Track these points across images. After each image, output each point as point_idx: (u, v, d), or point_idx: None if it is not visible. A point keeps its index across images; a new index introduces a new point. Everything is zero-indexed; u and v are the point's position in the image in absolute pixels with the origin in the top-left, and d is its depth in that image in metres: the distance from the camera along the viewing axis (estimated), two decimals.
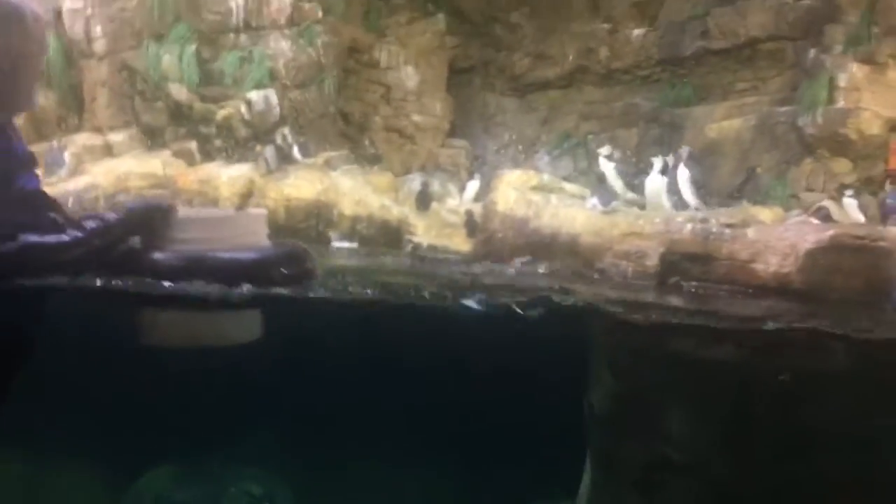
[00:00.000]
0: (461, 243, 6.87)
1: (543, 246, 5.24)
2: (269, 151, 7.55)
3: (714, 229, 4.40)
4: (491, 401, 4.75)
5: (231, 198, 7.10)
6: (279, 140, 7.69)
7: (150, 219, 2.43)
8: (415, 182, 8.05)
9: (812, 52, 7.24)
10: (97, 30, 7.51)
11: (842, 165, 6.91)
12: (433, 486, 5.23)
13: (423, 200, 7.61)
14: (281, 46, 8.06)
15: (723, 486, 3.78)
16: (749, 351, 3.53)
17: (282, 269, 2.50)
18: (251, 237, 2.54)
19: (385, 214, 7.31)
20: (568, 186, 6.03)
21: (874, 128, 6.67)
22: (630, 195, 6.34)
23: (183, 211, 2.58)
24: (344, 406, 4.71)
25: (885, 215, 6.28)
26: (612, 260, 4.64)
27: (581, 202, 5.58)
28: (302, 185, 7.28)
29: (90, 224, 2.35)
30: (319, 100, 8.30)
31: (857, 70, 6.80)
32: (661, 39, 8.45)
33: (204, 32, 7.77)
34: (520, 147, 9.05)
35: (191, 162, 7.39)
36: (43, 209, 2.36)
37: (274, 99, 7.74)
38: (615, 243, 4.75)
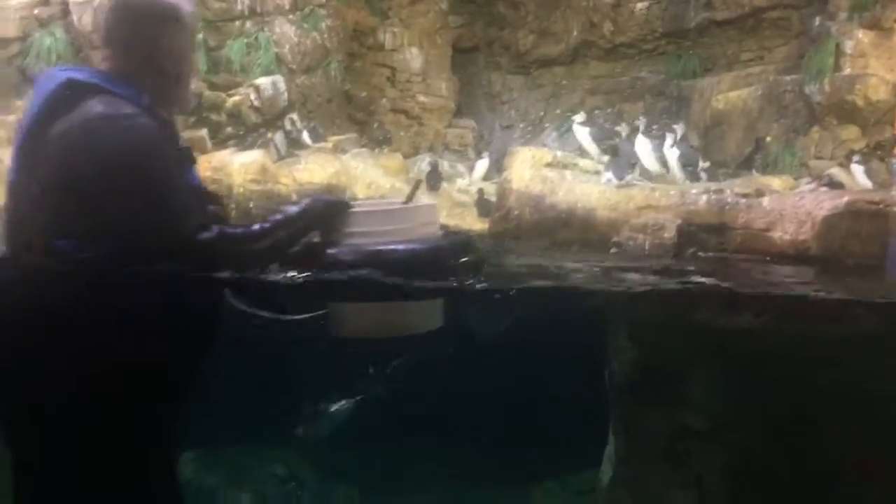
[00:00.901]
0: (473, 222, 6.92)
1: (560, 222, 5.30)
2: (279, 137, 7.59)
3: (729, 199, 4.45)
4: (516, 375, 4.83)
5: (244, 184, 7.15)
6: (288, 125, 7.72)
7: (329, 213, 2.45)
8: (424, 163, 8.09)
9: (817, 20, 7.27)
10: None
11: (850, 132, 6.95)
12: (457, 460, 5.32)
13: (433, 180, 7.66)
14: (286, 31, 8.09)
15: (747, 453, 3.85)
16: (769, 318, 3.59)
17: (454, 260, 2.52)
18: (424, 229, 2.54)
19: (397, 196, 7.35)
20: (582, 162, 6.07)
21: (881, 93, 6.70)
22: (605, 158, 6.44)
23: (356, 204, 2.63)
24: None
25: (894, 180, 6.33)
26: (629, 233, 4.69)
27: (596, 177, 5.62)
28: (314, 169, 7.32)
29: (274, 217, 2.37)
30: (326, 84, 8.34)
31: (862, 36, 6.82)
32: (664, 12, 8.47)
33: (209, 20, 7.78)
34: (526, 125, 9.08)
35: (203, 150, 7.42)
36: (206, 203, 2.40)
37: (282, 84, 7.77)
38: (632, 216, 4.81)
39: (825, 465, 3.68)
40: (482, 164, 8.03)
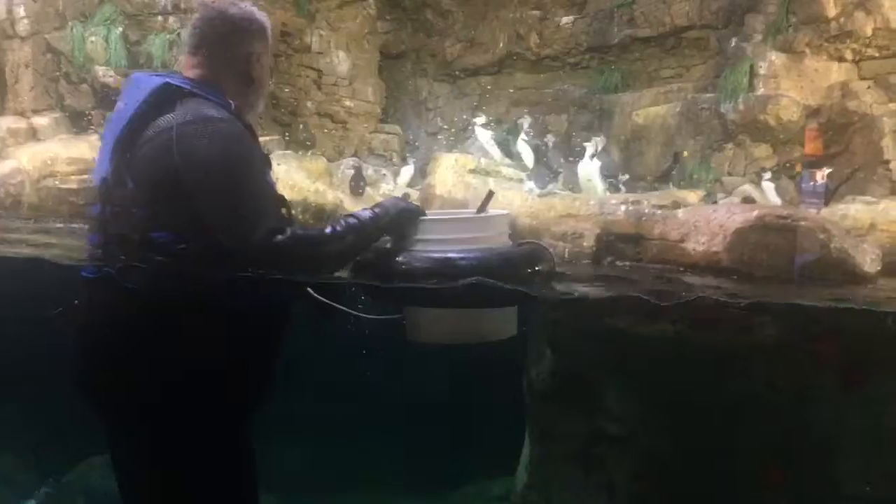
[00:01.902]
0: None
1: None
2: None
3: (646, 211, 4.56)
4: (431, 380, 4.83)
5: None
6: None
7: (402, 219, 2.50)
8: (348, 167, 8.05)
9: (733, 41, 7.50)
10: (20, 10, 7.26)
11: (762, 150, 7.19)
12: (375, 468, 5.29)
13: (358, 185, 7.63)
14: None
15: (659, 457, 3.94)
16: (683, 326, 3.69)
17: (528, 269, 2.57)
18: (495, 238, 2.57)
19: (320, 199, 7.29)
20: (505, 170, 6.13)
21: (792, 114, 6.95)
22: (507, 160, 6.57)
23: (429, 212, 2.65)
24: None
25: (802, 198, 6.57)
26: (549, 241, 4.76)
27: (518, 185, 5.68)
28: None
29: (347, 220, 2.42)
30: None
31: (775, 58, 7.07)
32: (589, 27, 8.63)
33: (131, 14, 7.59)
34: (452, 132, 9.14)
35: None
36: (280, 205, 2.47)
37: None
38: (552, 225, 4.87)
39: (735, 468, 3.79)
40: (407, 170, 8.04)
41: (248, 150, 2.34)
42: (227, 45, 2.41)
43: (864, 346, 3.78)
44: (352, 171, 7.82)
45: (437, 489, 5.44)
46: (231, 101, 2.38)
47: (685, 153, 7.43)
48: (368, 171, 8.08)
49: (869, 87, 6.81)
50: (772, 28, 7.15)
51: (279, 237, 2.23)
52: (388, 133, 9.21)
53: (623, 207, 4.75)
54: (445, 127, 9.27)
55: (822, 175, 6.54)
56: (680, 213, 4.55)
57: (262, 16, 2.49)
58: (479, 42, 9.22)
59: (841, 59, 6.97)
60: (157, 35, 7.64)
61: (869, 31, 6.69)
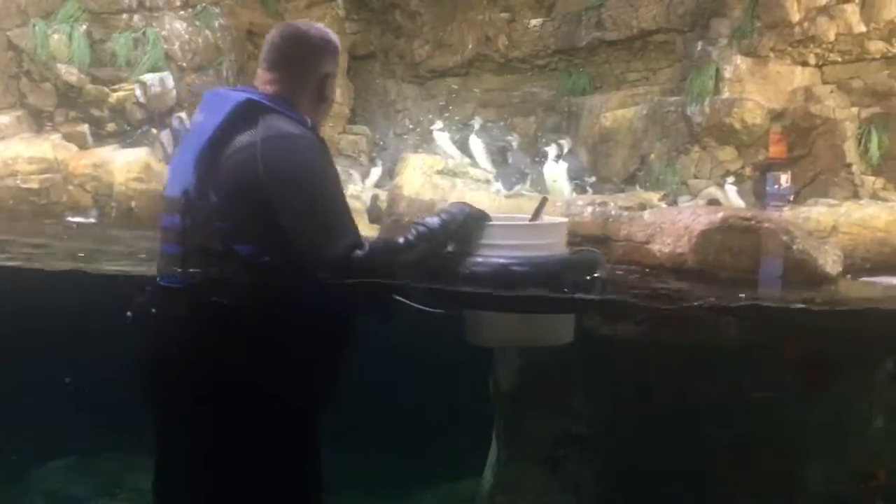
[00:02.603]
0: (365, 228, 6.89)
1: None
2: (166, 136, 7.36)
3: (613, 212, 4.57)
4: (396, 380, 4.81)
5: (126, 183, 6.91)
6: (176, 124, 7.49)
7: (469, 225, 2.58)
8: None
9: (699, 45, 7.58)
10: None
11: (727, 153, 7.28)
12: (339, 469, 5.25)
13: None
14: (176, 28, 7.86)
15: (624, 458, 3.95)
16: (648, 327, 3.70)
17: (587, 275, 2.67)
18: (555, 245, 2.65)
19: None
20: (473, 170, 6.14)
21: (756, 117, 7.04)
22: (466, 160, 6.63)
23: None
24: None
25: (767, 200, 6.66)
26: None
27: (486, 186, 5.69)
28: None
29: (418, 228, 2.51)
30: (218, 83, 8.11)
31: (741, 62, 7.16)
32: (557, 30, 8.68)
33: (95, 12, 7.49)
34: (420, 133, 9.13)
35: (83, 145, 7.13)
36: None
37: (170, 82, 7.53)
38: None
39: (701, 468, 3.81)
40: (376, 172, 8.03)
41: (329, 167, 2.43)
42: (304, 64, 2.49)
43: (827, 346, 3.82)
44: None
45: (403, 491, 5.41)
46: (306, 117, 2.46)
47: (651, 155, 7.49)
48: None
49: (832, 92, 6.92)
50: (737, 32, 7.24)
51: (359, 252, 2.33)
52: (356, 134, 9.19)
53: (589, 209, 4.75)
54: (412, 128, 9.26)
55: (786, 178, 6.63)
56: (646, 214, 4.57)
57: (335, 36, 2.60)
58: (448, 44, 9.22)
59: (804, 64, 7.08)
60: (121, 33, 7.56)
61: (832, 36, 6.79)
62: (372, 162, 8.61)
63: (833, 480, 3.73)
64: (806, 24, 6.86)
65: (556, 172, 6.34)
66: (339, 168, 7.86)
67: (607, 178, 7.71)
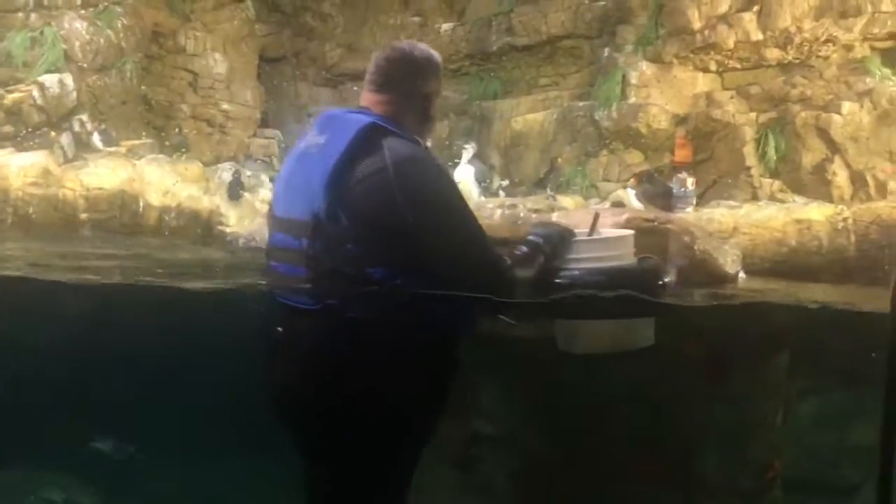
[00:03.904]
0: None
1: None
2: (66, 138, 7.12)
3: (522, 214, 4.64)
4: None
5: (23, 188, 6.64)
6: (76, 127, 7.25)
7: (562, 240, 2.68)
8: (226, 172, 7.85)
9: (606, 51, 7.73)
10: None
11: (634, 157, 7.44)
12: (254, 479, 5.15)
13: (235, 190, 7.45)
14: (76, 28, 7.60)
15: (534, 456, 3.99)
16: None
17: (659, 282, 2.83)
18: (629, 255, 2.83)
19: (194, 205, 7.09)
20: None
21: (661, 122, 7.22)
22: None
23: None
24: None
25: (673, 202, 6.83)
26: None
27: None
28: (104, 173, 6.91)
29: (528, 244, 2.59)
30: (121, 85, 7.90)
31: (646, 68, 7.33)
32: (468, 34, 8.74)
33: None
34: None
35: None
36: None
37: (70, 83, 7.28)
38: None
39: (609, 465, 3.87)
40: None
41: (455, 185, 2.53)
42: (410, 85, 2.52)
43: (726, 343, 3.94)
44: (229, 176, 7.63)
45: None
46: (417, 137, 2.51)
47: (559, 160, 7.60)
48: (246, 176, 7.91)
49: (731, 97, 7.15)
50: (642, 39, 7.42)
51: (503, 265, 2.45)
52: (267, 137, 9.05)
53: (499, 211, 4.81)
54: None
55: (691, 181, 6.82)
56: (554, 216, 4.65)
57: (437, 55, 2.64)
58: (360, 47, 9.18)
59: (706, 70, 7.29)
60: (17, 32, 7.28)
61: (731, 44, 7.02)
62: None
63: (733, 471, 3.84)
64: (707, 32, 7.07)
65: (464, 176, 6.37)
66: (248, 173, 7.67)
67: (519, 182, 7.80)
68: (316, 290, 2.40)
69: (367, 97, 2.53)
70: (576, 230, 2.84)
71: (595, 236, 2.87)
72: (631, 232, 3.06)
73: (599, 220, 4.13)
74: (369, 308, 2.34)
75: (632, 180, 6.89)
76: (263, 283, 2.74)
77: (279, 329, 2.51)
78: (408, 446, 2.51)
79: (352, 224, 2.32)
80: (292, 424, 2.55)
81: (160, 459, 4.88)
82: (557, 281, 2.66)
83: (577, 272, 2.69)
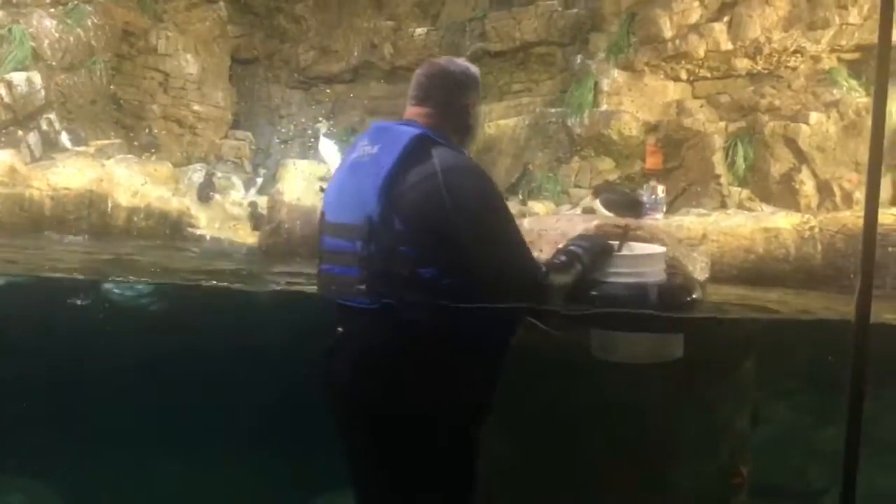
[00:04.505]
0: (246, 236, 6.76)
1: None
2: (33, 137, 7.03)
3: None
4: (268, 392, 4.71)
5: None
6: (44, 126, 7.17)
7: (602, 253, 2.80)
8: (196, 173, 7.80)
9: (579, 58, 7.78)
10: None
11: (606, 164, 7.49)
12: (216, 481, 5.10)
13: (205, 192, 7.40)
14: (45, 26, 7.51)
15: (498, 461, 3.98)
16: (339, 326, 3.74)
17: (689, 297, 2.96)
18: (660, 271, 2.94)
19: (164, 206, 7.03)
20: None
21: (633, 129, 7.27)
22: None
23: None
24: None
25: (644, 209, 6.87)
26: None
27: None
28: (71, 173, 6.84)
29: (567, 254, 2.71)
30: (90, 84, 7.82)
31: (618, 76, 7.39)
32: (442, 39, 8.75)
33: None
34: (305, 140, 9.02)
35: None
36: None
37: (38, 81, 7.19)
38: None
39: (574, 471, 3.87)
40: (260, 180, 7.91)
41: (499, 193, 2.65)
42: (450, 98, 2.66)
43: (694, 351, 3.96)
44: (199, 178, 7.58)
45: (301, 493, 5.30)
46: (461, 147, 2.64)
47: (531, 165, 7.63)
48: (217, 178, 7.86)
49: (702, 106, 7.22)
50: (614, 47, 7.47)
51: (541, 272, 2.55)
52: (239, 139, 9.00)
53: None
54: (296, 134, 9.13)
55: (661, 189, 6.87)
56: (525, 222, 4.65)
57: (474, 68, 2.78)
58: (333, 50, 9.17)
59: (677, 79, 7.36)
60: None
61: (701, 53, 7.10)
62: (255, 170, 8.46)
63: (702, 478, 3.85)
64: (678, 41, 7.14)
65: None
66: (219, 175, 7.65)
67: None
68: (371, 290, 2.51)
69: (410, 111, 2.68)
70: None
71: (626, 251, 2.95)
72: (663, 249, 3.15)
73: (571, 227, 4.15)
74: (419, 307, 2.46)
75: (589, 196, 6.93)
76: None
77: (339, 329, 2.62)
78: (464, 442, 2.62)
79: (404, 227, 2.45)
80: (352, 422, 2.63)
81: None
82: (593, 292, 2.75)
83: (613, 285, 2.79)
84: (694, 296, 3.00)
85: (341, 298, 2.62)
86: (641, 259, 2.99)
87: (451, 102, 2.66)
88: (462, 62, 2.79)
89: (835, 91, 6.75)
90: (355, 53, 9.10)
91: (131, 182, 7.03)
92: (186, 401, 4.57)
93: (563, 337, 3.07)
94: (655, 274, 2.93)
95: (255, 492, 5.04)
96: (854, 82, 6.81)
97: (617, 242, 2.95)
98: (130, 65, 8.50)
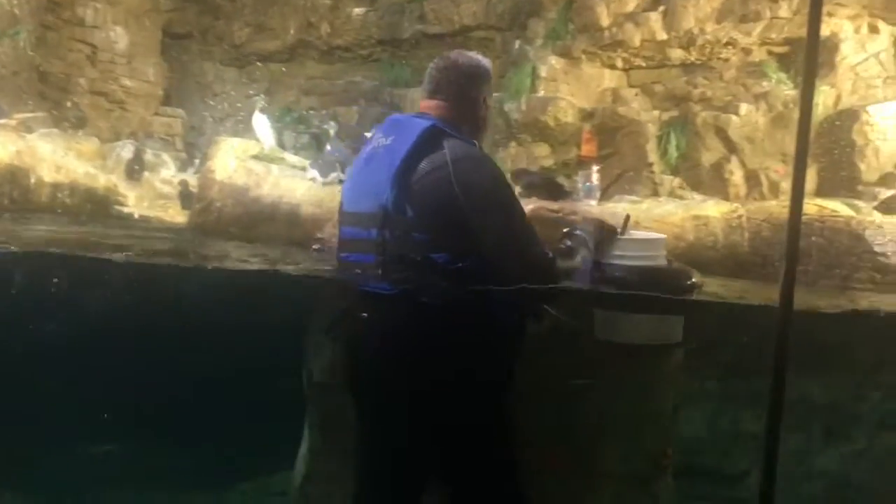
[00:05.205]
0: (176, 214, 6.62)
1: (264, 216, 5.18)
2: None
3: None
4: (207, 372, 4.64)
5: None
6: None
7: (603, 238, 2.94)
8: (125, 149, 7.58)
9: (517, 43, 7.79)
10: None
11: (542, 149, 7.53)
12: (140, 465, 5.01)
13: (135, 169, 7.21)
14: None
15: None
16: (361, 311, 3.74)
17: (688, 281, 3.09)
18: (662, 256, 3.08)
19: (91, 182, 6.83)
20: (289, 157, 6.00)
21: (569, 116, 7.32)
22: (280, 151, 6.65)
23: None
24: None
25: (580, 196, 6.94)
26: (331, 230, 4.69)
27: (302, 173, 5.58)
28: None
29: (572, 238, 2.88)
30: (13, 55, 7.53)
31: (555, 62, 7.43)
32: (380, 20, 8.66)
33: None
34: (239, 118, 8.86)
35: None
36: None
37: None
38: (335, 214, 4.82)
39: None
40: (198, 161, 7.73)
41: (507, 182, 2.77)
42: (462, 91, 2.78)
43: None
44: (128, 154, 7.38)
45: (213, 487, 5.23)
46: (472, 139, 2.74)
47: None
48: (147, 155, 7.66)
49: (636, 95, 7.32)
50: (552, 33, 7.50)
51: (545, 256, 2.70)
52: (171, 116, 8.79)
53: None
54: (233, 113, 8.96)
55: (596, 176, 6.94)
56: None
57: (486, 61, 2.92)
58: (269, 27, 9.00)
59: (613, 67, 7.44)
60: None
61: (637, 42, 7.18)
62: (188, 148, 8.28)
63: (630, 460, 3.92)
64: (614, 30, 7.20)
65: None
66: (149, 152, 7.47)
67: None
68: (388, 276, 2.65)
69: (423, 103, 2.81)
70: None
71: (628, 236, 3.08)
72: (663, 235, 3.33)
73: None
74: (433, 290, 2.60)
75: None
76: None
77: (363, 313, 2.74)
78: (479, 420, 2.74)
79: (416, 215, 2.59)
80: (378, 402, 2.78)
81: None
82: (598, 275, 2.89)
83: (617, 269, 2.92)
84: (693, 280, 3.12)
85: (361, 284, 2.76)
86: (646, 243, 3.15)
87: (462, 95, 2.78)
88: (474, 56, 2.92)
89: (764, 83, 6.91)
90: (292, 31, 8.94)
91: (55, 157, 6.80)
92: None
93: (570, 321, 3.15)
94: (655, 259, 3.07)
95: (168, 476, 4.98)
96: (783, 75, 6.97)
97: (619, 228, 3.09)
98: (56, 36, 8.21)
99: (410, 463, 2.78)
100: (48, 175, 6.67)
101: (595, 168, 6.90)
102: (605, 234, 2.97)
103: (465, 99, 2.79)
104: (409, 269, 2.61)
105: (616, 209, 6.40)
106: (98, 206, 6.80)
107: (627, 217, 3.16)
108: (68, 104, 8.12)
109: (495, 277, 2.64)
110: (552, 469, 3.89)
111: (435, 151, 2.61)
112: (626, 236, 3.06)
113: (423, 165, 2.60)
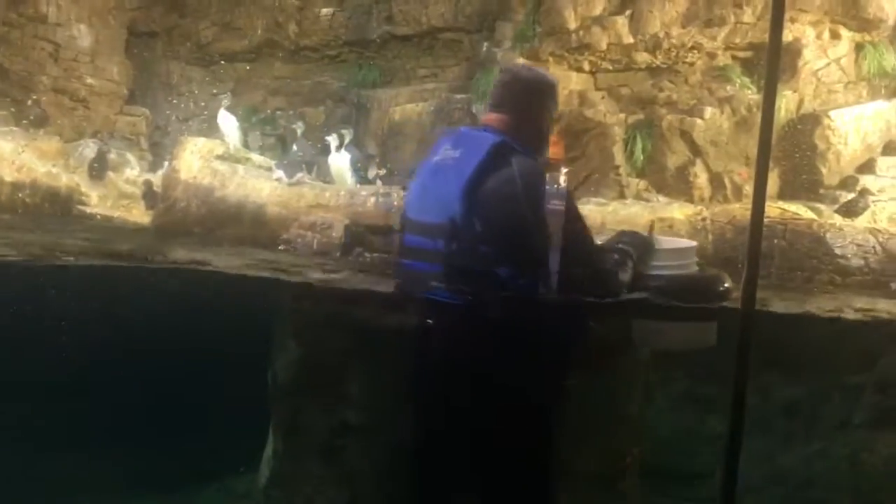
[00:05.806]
0: (140, 215, 6.53)
1: (229, 216, 5.13)
2: None
3: (396, 203, 4.61)
4: (171, 373, 4.59)
5: None
6: None
7: (645, 249, 2.99)
8: (88, 149, 7.48)
9: (485, 46, 7.81)
10: None
11: None
12: (106, 465, 4.95)
13: (98, 169, 7.11)
14: None
15: (398, 446, 3.98)
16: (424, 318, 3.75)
17: (723, 287, 3.10)
18: (692, 265, 3.16)
19: (52, 182, 6.72)
20: (255, 157, 5.95)
21: None
22: (246, 151, 6.61)
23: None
24: None
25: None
26: (297, 231, 4.67)
27: (268, 174, 5.53)
28: None
29: (622, 250, 2.90)
30: None
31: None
32: (348, 20, 8.63)
33: None
34: (205, 118, 8.77)
35: None
36: None
37: None
38: (301, 214, 4.80)
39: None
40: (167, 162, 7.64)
41: (572, 199, 2.77)
42: (527, 106, 2.81)
43: (599, 338, 4.03)
44: (91, 154, 7.27)
45: (177, 490, 5.18)
46: (536, 154, 2.77)
47: None
48: (111, 155, 7.56)
49: (603, 98, 7.36)
50: (519, 36, 7.52)
51: (611, 272, 2.78)
52: (135, 115, 8.67)
53: (373, 199, 4.78)
54: (199, 113, 8.87)
55: (563, 178, 6.96)
56: None
57: (551, 78, 2.97)
58: (236, 27, 8.92)
59: (580, 70, 7.47)
60: None
61: (604, 46, 7.22)
62: (152, 148, 8.18)
63: (597, 459, 3.94)
64: (581, 33, 7.24)
65: (338, 162, 6.29)
66: (113, 151, 7.37)
67: (397, 171, 7.76)
68: (453, 286, 2.69)
69: (489, 116, 2.83)
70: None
71: (663, 245, 3.16)
72: (694, 243, 3.42)
73: None
74: (498, 303, 2.63)
75: None
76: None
77: (429, 321, 2.78)
78: (537, 427, 2.79)
79: (484, 228, 2.62)
80: (444, 406, 2.81)
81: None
82: (644, 285, 2.96)
83: (658, 279, 3.00)
84: (726, 285, 3.16)
85: (426, 292, 2.78)
86: (680, 252, 3.23)
87: (527, 110, 2.81)
88: (540, 71, 3.01)
89: (728, 87, 6.99)
90: (259, 31, 8.87)
91: (16, 156, 6.69)
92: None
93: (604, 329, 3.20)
94: (690, 267, 3.18)
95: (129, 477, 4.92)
96: (746, 79, 7.06)
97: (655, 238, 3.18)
98: (18, 33, 8.08)
99: (459, 470, 2.85)
100: (8, 174, 6.55)
101: (563, 170, 6.95)
102: (647, 245, 3.05)
103: (529, 113, 2.82)
104: (474, 282, 2.65)
105: (582, 212, 6.43)
106: (60, 205, 6.69)
107: (652, 224, 3.33)
108: (29, 102, 7.98)
109: (557, 293, 2.67)
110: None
111: (503, 167, 2.64)
112: (661, 246, 3.15)
113: (492, 181, 2.63)
